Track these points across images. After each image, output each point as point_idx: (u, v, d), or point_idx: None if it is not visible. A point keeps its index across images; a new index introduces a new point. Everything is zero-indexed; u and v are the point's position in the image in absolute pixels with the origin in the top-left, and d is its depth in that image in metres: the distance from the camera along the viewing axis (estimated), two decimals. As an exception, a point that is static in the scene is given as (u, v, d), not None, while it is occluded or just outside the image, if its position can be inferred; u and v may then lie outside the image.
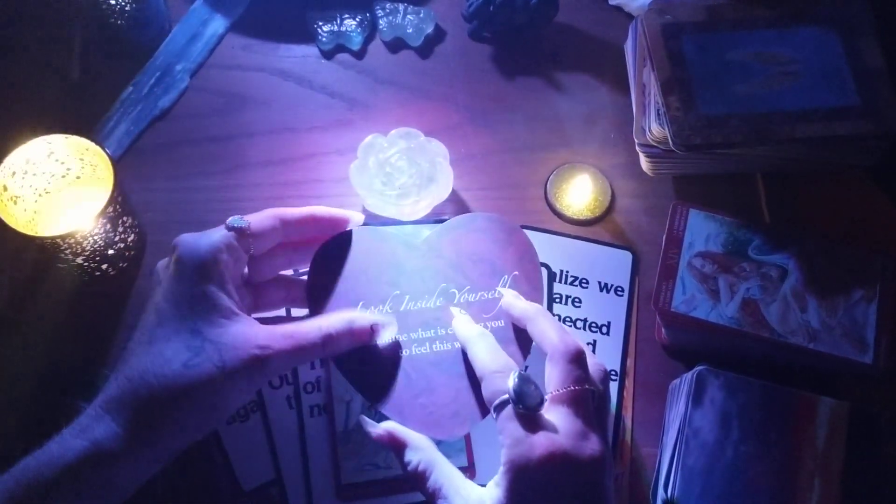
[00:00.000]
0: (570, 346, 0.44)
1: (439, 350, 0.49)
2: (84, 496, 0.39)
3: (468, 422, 0.47)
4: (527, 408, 0.41)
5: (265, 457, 0.53)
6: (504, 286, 0.51)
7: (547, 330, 0.45)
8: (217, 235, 0.45)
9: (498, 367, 0.44)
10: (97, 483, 0.39)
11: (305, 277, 0.51)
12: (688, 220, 0.57)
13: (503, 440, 0.41)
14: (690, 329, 0.54)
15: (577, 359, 0.44)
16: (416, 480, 0.44)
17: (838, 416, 0.50)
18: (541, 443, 0.40)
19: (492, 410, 0.43)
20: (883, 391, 0.56)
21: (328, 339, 0.45)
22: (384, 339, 0.48)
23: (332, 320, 0.46)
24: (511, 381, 0.42)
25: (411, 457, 0.45)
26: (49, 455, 0.39)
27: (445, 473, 0.44)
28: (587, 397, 0.43)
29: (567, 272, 0.60)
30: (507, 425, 0.42)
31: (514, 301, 0.49)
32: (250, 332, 0.43)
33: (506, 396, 0.42)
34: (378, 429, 0.46)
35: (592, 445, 0.41)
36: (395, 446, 0.46)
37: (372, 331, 0.47)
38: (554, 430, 0.41)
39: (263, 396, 0.54)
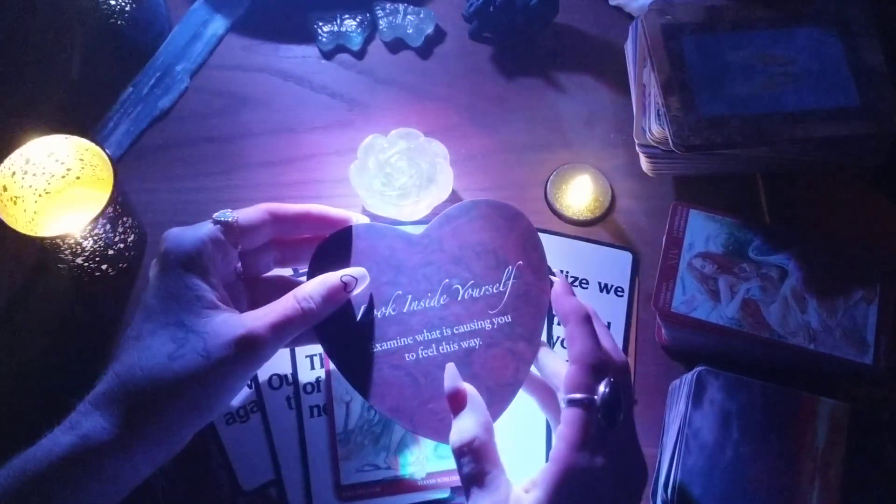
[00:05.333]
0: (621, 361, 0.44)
1: (446, 351, 0.48)
2: (74, 492, 0.39)
3: None
4: (608, 421, 0.40)
5: (265, 457, 0.53)
6: (509, 278, 0.50)
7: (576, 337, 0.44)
8: (203, 229, 0.46)
9: (596, 361, 0.42)
10: (87, 478, 0.39)
11: (304, 278, 0.51)
12: (688, 221, 0.57)
13: (567, 438, 0.40)
14: (690, 330, 0.54)
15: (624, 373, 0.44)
16: (463, 453, 0.42)
17: (838, 417, 0.50)
18: (605, 454, 0.40)
19: (565, 400, 0.41)
20: (883, 392, 0.56)
21: (306, 303, 0.45)
22: (359, 290, 0.47)
23: (306, 286, 0.46)
24: (602, 388, 0.41)
25: (474, 430, 0.42)
26: (39, 452, 0.39)
27: (496, 463, 0.42)
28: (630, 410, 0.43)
29: (567, 273, 0.60)
30: (577, 425, 0.40)
31: (561, 296, 0.47)
32: (232, 319, 0.43)
33: (585, 396, 0.41)
34: (460, 384, 0.45)
35: (643, 467, 0.43)
36: (460, 408, 0.44)
37: (344, 285, 0.46)
38: (617, 444, 0.41)
39: (263, 397, 0.54)
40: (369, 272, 0.49)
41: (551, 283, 0.49)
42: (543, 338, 0.50)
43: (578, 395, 0.41)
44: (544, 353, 0.48)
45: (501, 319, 0.49)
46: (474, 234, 0.51)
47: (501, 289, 0.49)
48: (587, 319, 0.44)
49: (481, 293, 0.49)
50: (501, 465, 0.42)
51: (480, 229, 0.51)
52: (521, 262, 0.50)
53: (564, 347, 0.57)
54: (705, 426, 0.50)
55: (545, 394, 0.48)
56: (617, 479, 0.41)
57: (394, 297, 0.49)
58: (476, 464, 0.41)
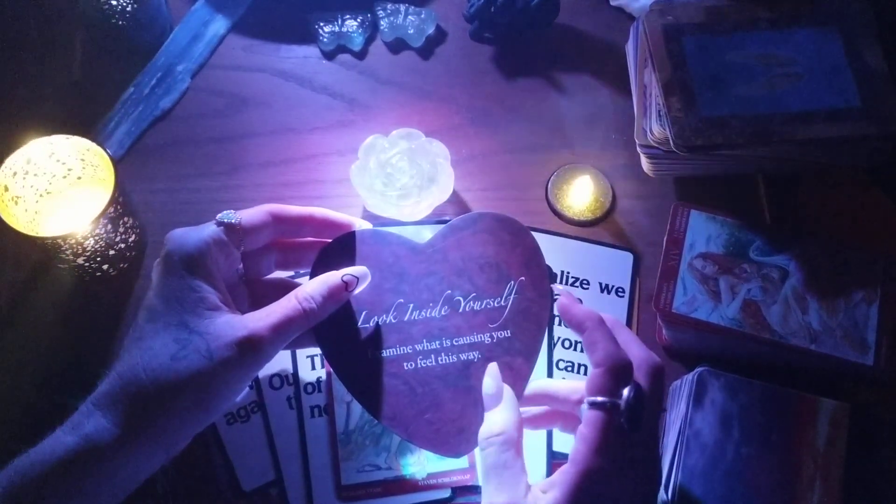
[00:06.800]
0: (655, 361, 0.44)
1: (445, 363, 0.48)
2: (77, 492, 0.39)
3: (473, 439, 0.46)
4: (631, 425, 0.41)
5: (266, 457, 0.53)
6: (510, 293, 0.50)
7: (598, 341, 0.44)
8: (206, 230, 0.46)
9: (619, 363, 0.42)
10: (89, 479, 0.39)
11: (306, 279, 0.51)
12: (689, 221, 0.57)
13: (588, 440, 0.40)
14: (691, 330, 0.54)
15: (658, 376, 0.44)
16: (489, 443, 0.43)
17: (839, 418, 0.50)
18: (625, 458, 0.40)
19: (586, 402, 0.41)
20: (884, 393, 0.55)
21: (307, 303, 0.45)
22: (360, 288, 0.48)
23: (307, 286, 0.46)
24: (627, 392, 0.41)
25: (504, 425, 0.43)
26: (41, 452, 0.39)
27: (518, 461, 0.42)
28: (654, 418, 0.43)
29: (568, 273, 0.60)
30: (598, 428, 0.40)
31: (571, 306, 0.46)
32: (235, 320, 0.43)
33: (607, 400, 0.41)
34: (502, 385, 0.46)
35: (659, 472, 0.43)
36: (494, 406, 0.45)
37: (345, 284, 0.47)
38: (637, 448, 0.41)
39: (264, 397, 0.54)
40: (371, 279, 0.49)
41: (552, 296, 0.49)
42: (543, 351, 0.50)
43: (600, 399, 0.41)
44: (551, 381, 0.49)
45: (501, 334, 0.49)
46: (478, 247, 0.51)
47: (502, 303, 0.49)
48: (602, 322, 0.44)
49: (482, 306, 0.49)
50: (524, 466, 0.43)
51: (485, 242, 0.51)
52: (523, 278, 0.50)
53: (566, 348, 0.57)
54: (706, 427, 0.50)
55: (560, 417, 0.49)
56: (634, 483, 0.41)
57: (395, 305, 0.49)
58: (498, 456, 0.42)
